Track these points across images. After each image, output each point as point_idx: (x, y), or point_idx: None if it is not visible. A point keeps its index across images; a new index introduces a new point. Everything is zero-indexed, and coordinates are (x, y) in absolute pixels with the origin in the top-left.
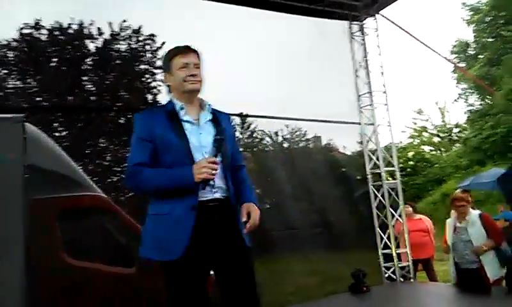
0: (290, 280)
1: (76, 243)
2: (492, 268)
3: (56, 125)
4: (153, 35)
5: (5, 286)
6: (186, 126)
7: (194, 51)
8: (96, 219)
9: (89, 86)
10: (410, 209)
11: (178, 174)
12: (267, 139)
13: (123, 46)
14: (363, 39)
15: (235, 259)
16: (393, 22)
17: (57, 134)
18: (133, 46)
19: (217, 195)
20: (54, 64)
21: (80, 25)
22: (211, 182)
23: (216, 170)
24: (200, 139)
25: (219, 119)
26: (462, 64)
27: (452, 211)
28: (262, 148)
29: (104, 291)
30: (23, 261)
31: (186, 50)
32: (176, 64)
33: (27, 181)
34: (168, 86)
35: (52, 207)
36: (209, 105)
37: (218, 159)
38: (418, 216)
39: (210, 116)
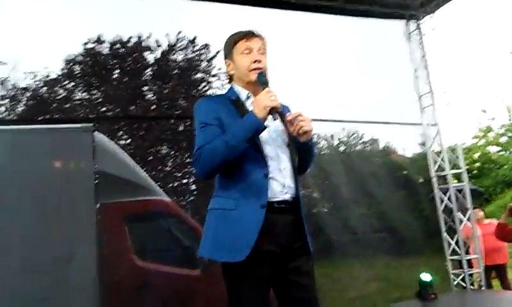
0: (353, 286)
1: (144, 245)
2: None
3: (120, 133)
4: (207, 44)
5: (80, 285)
6: None
7: (259, 36)
8: (162, 222)
9: (149, 96)
10: (481, 213)
11: (242, 124)
12: (323, 142)
13: (179, 56)
14: (421, 38)
15: (298, 266)
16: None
17: (121, 142)
18: (189, 56)
19: (287, 196)
20: (116, 76)
21: (139, 37)
22: (282, 168)
23: (275, 96)
24: (270, 130)
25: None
26: None
27: None
28: (318, 152)
29: (171, 292)
30: (96, 262)
31: (250, 34)
32: (240, 49)
33: (97, 186)
34: (230, 75)
35: (120, 211)
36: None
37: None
38: (488, 220)
39: None
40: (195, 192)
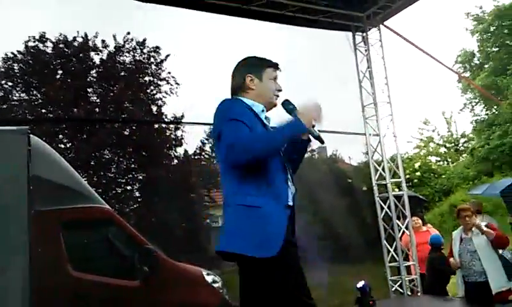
0: None
1: (80, 255)
2: (497, 279)
3: (60, 136)
4: (158, 47)
5: (9, 296)
6: (268, 128)
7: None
8: (100, 231)
9: (93, 98)
10: (420, 221)
11: (288, 125)
12: None
13: (127, 58)
14: (367, 50)
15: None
16: (396, 33)
17: (62, 146)
18: (137, 58)
19: (290, 202)
20: (58, 76)
21: (85, 37)
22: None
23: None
24: None
25: None
26: (467, 74)
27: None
28: None
29: (108, 304)
30: (27, 272)
31: (278, 66)
32: (270, 75)
33: (32, 193)
34: (242, 87)
35: (56, 219)
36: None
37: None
38: (425, 228)
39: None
40: (139, 199)
